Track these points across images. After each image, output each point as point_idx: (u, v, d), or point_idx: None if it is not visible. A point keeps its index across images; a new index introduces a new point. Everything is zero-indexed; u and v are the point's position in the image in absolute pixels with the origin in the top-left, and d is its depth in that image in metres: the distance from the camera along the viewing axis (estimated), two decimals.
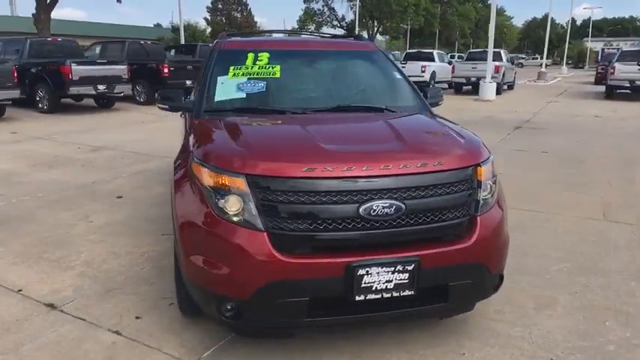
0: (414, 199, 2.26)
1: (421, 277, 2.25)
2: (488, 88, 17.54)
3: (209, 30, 44.40)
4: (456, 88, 20.55)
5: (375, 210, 2.18)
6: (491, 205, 2.51)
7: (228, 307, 2.25)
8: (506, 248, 2.65)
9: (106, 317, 2.88)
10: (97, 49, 15.09)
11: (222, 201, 2.24)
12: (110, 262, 3.65)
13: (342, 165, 2.22)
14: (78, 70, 11.42)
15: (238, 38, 3.89)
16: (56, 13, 19.92)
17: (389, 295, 2.22)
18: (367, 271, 2.17)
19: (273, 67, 3.38)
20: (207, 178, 2.32)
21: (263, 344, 2.61)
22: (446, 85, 21.55)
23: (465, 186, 2.40)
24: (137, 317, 2.88)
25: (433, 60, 21.67)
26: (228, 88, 3.27)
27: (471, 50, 21.97)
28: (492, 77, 18.16)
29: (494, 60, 18.68)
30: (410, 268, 2.22)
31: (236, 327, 2.45)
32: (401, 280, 2.22)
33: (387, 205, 2.20)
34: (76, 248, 3.91)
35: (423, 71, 20.40)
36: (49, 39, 13.64)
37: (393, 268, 2.20)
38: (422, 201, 2.28)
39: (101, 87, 11.88)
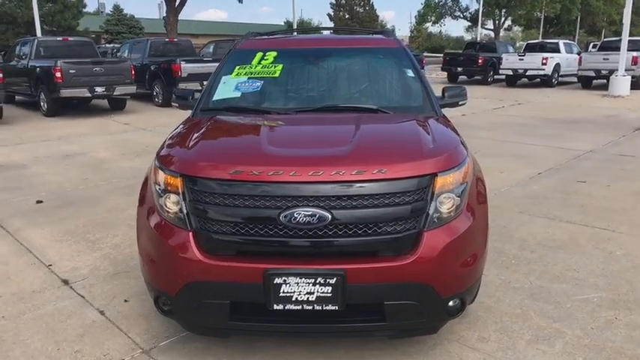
0: (344, 209, 2.13)
1: (348, 292, 2.11)
2: (621, 83, 15.44)
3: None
4: (584, 82, 18.39)
5: (296, 218, 2.10)
6: (447, 220, 2.25)
7: (163, 302, 2.35)
8: (473, 270, 2.36)
9: (101, 297, 3.16)
10: (211, 48, 16.31)
11: (162, 199, 2.33)
12: (133, 247, 3.97)
13: (270, 169, 2.17)
14: (186, 67, 12.45)
15: (261, 37, 3.94)
16: (201, 15, 21.68)
17: (310, 308, 2.12)
18: (284, 280, 2.10)
19: (275, 67, 3.39)
20: (155, 175, 2.43)
21: (223, 340, 2.66)
22: (575, 79, 19.50)
23: (410, 198, 2.18)
24: (125, 300, 3.11)
25: (558, 51, 19.67)
26: (227, 87, 3.35)
27: (605, 39, 19.42)
28: (627, 70, 15.95)
29: (631, 50, 16.38)
30: (332, 281, 2.09)
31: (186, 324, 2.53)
32: (323, 293, 2.11)
33: (310, 213, 2.10)
34: (114, 231, 4.32)
35: (545, 64, 18.60)
36: (166, 39, 15.02)
37: (313, 280, 2.10)
38: (353, 212, 2.13)
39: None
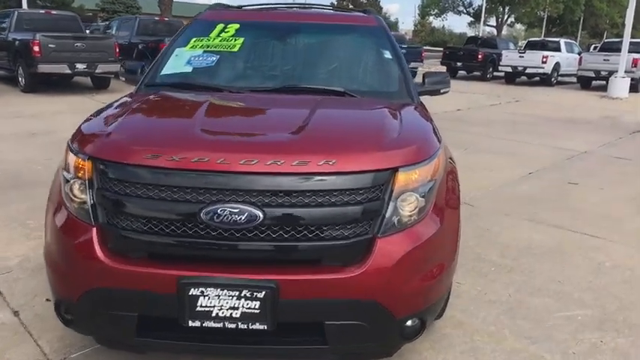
0: (280, 206, 1.75)
1: (280, 308, 1.74)
2: (620, 85, 15.06)
3: None
4: (583, 83, 18.00)
5: (219, 216, 1.72)
6: (409, 225, 1.88)
7: (64, 310, 1.96)
8: (438, 284, 1.99)
9: (22, 294, 2.79)
10: None
11: (68, 186, 1.94)
12: None
13: (194, 154, 1.79)
14: None
15: (228, 9, 3.53)
16: None
17: (233, 326, 1.75)
18: (202, 292, 1.73)
19: (235, 40, 2.99)
20: (65, 158, 2.04)
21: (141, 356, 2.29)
22: (574, 80, 19.12)
23: (363, 196, 1.81)
24: (47, 300, 2.73)
25: (559, 50, 19.26)
26: (179, 60, 2.96)
27: (607, 40, 19.03)
28: (627, 72, 15.57)
29: (632, 51, 15.99)
30: (260, 295, 1.72)
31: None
32: (250, 309, 1.74)
33: (237, 211, 1.72)
34: None
35: (544, 62, 18.19)
36: (156, 18, 14.45)
37: (237, 293, 1.72)
38: (291, 211, 1.75)
39: None
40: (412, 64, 18.83)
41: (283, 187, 1.75)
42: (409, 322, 1.93)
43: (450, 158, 2.46)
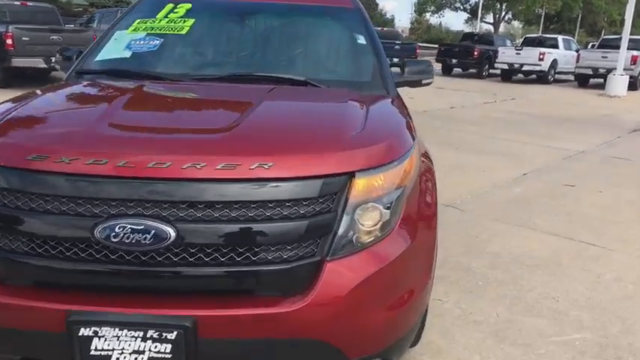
0: (198, 222, 1.37)
1: (200, 352, 1.37)
2: (618, 82, 14.70)
3: None
4: (580, 80, 17.66)
5: (117, 234, 1.33)
6: (369, 244, 1.50)
7: None
8: (406, 313, 1.62)
9: None
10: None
11: None
12: None
13: (89, 156, 1.40)
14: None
15: None
16: None
17: None
18: (96, 332, 1.35)
19: (184, 22, 2.60)
20: None
21: None
22: (572, 77, 18.77)
23: (308, 208, 1.43)
24: None
25: (557, 47, 18.88)
26: (118, 45, 2.57)
27: (605, 37, 18.67)
28: (626, 69, 15.23)
29: (631, 48, 15.65)
30: (171, 336, 1.34)
31: None
32: (159, 353, 1.36)
33: (140, 228, 1.34)
34: None
35: (541, 59, 17.82)
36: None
37: (142, 333, 1.35)
38: (212, 227, 1.37)
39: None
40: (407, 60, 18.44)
41: (203, 197, 1.37)
42: None
43: (425, 154, 2.08)
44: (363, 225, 1.50)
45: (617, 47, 15.45)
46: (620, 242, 3.65)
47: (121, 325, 1.34)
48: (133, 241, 1.33)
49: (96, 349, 1.35)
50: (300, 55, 2.59)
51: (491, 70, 19.88)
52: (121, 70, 2.37)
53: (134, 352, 1.35)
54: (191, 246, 1.37)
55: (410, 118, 2.13)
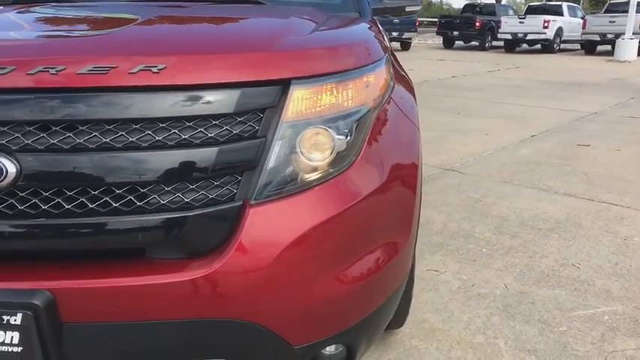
0: (53, 151, 0.92)
1: (66, 342, 0.93)
2: (628, 47, 14.02)
3: None
4: (587, 48, 16.98)
5: None
6: (317, 182, 1.05)
7: None
8: (375, 282, 1.16)
9: None
10: None
11: None
12: None
13: None
14: None
15: None
16: None
17: None
18: None
19: None
20: None
21: None
22: (578, 46, 18.09)
23: (219, 130, 0.97)
24: None
25: (561, 14, 18.15)
26: None
27: (612, 1, 17.89)
28: (635, 33, 14.52)
29: None
30: (16, 320, 0.90)
31: None
32: (4, 346, 0.92)
33: None
34: None
35: (546, 27, 17.14)
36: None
37: None
38: (75, 159, 0.92)
39: None
40: (406, 35, 17.84)
41: (58, 114, 0.92)
42: (326, 351, 1.12)
43: (403, 77, 1.63)
44: (305, 156, 1.04)
45: (625, 12, 14.74)
46: None
47: None
48: None
49: None
50: None
51: (494, 42, 19.22)
52: None
53: None
54: (42, 187, 0.92)
55: (386, 43, 1.66)
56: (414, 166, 1.32)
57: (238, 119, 0.99)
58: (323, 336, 1.07)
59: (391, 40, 20.35)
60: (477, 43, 19.32)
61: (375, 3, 2.21)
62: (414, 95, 1.63)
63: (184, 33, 1.24)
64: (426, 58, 14.64)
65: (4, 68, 0.93)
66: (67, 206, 0.92)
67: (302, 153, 1.04)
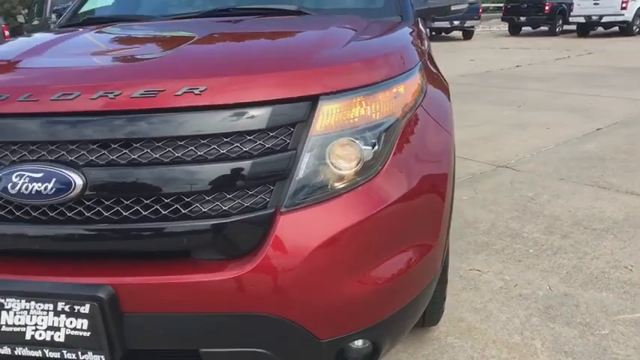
0: (113, 166, 1.08)
1: (126, 328, 1.10)
2: None
3: None
4: None
5: (15, 185, 1.07)
6: (345, 190, 1.14)
7: None
8: (402, 281, 1.25)
9: None
10: None
11: None
12: None
13: None
14: None
15: None
16: None
17: (57, 356, 1.12)
18: (3, 304, 1.11)
19: None
20: None
21: None
22: None
23: (253, 144, 1.10)
24: None
25: None
26: None
27: None
28: None
29: None
30: (84, 309, 1.08)
31: None
32: (75, 330, 1.10)
33: (39, 176, 1.07)
34: None
35: (624, 7, 15.96)
36: None
37: (52, 306, 1.09)
38: (130, 172, 1.08)
39: None
40: (468, 23, 17.29)
41: (116, 133, 1.08)
42: (355, 344, 1.23)
43: (438, 77, 1.68)
44: (334, 166, 1.14)
45: None
46: None
47: (28, 296, 1.10)
48: (33, 192, 1.07)
49: (7, 325, 1.12)
50: None
51: (565, 27, 18.16)
52: (102, 17, 2.13)
53: (49, 328, 1.10)
54: (104, 197, 1.09)
55: (423, 47, 1.71)
56: (442, 172, 1.38)
57: (271, 134, 1.10)
58: (349, 331, 1.18)
59: (452, 28, 19.74)
60: (547, 29, 18.36)
61: (420, 4, 2.25)
62: (448, 97, 1.68)
63: (226, 53, 1.38)
64: (490, 47, 14.14)
65: (72, 94, 1.10)
66: (124, 213, 1.08)
67: (330, 163, 1.14)
